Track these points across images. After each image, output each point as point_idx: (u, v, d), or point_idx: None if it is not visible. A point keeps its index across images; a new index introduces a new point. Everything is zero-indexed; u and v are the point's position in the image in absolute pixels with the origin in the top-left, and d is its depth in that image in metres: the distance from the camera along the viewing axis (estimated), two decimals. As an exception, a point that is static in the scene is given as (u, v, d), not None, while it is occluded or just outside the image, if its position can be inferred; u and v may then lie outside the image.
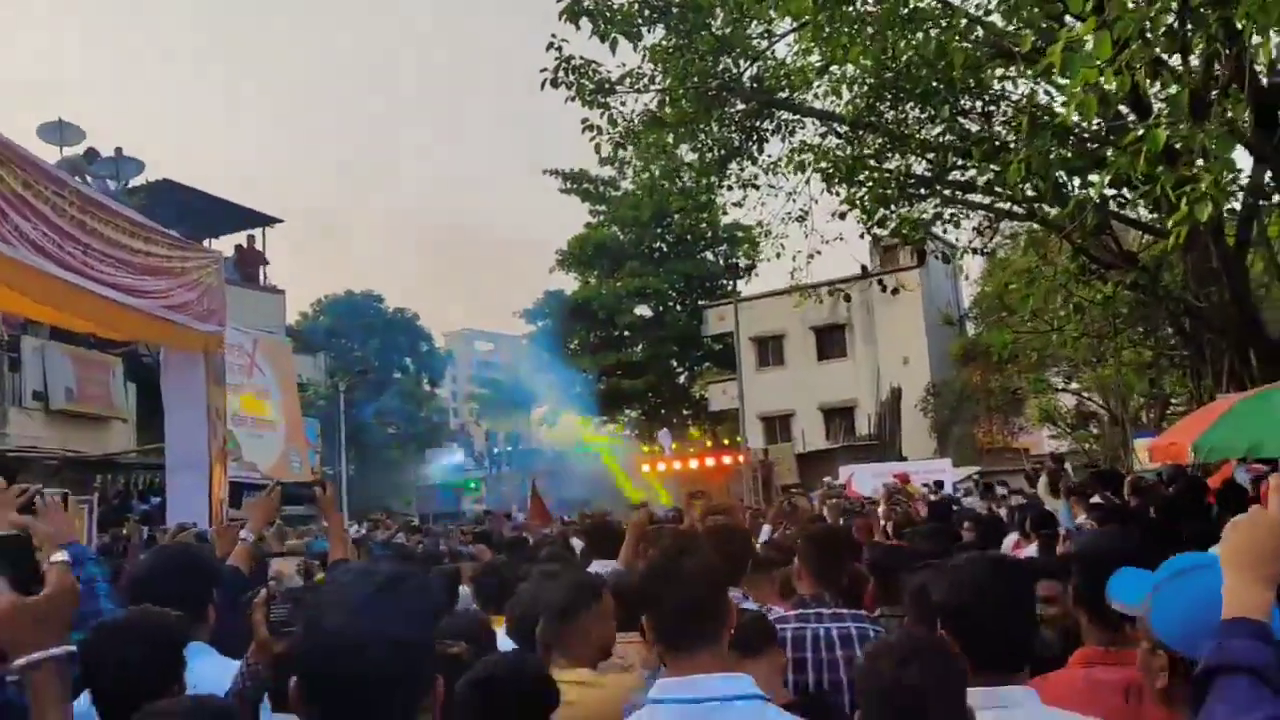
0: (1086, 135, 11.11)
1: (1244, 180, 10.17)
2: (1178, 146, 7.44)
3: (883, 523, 9.61)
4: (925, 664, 2.17)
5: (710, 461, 31.22)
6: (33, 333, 15.77)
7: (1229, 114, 7.11)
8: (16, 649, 1.61)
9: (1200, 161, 8.44)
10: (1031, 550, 7.63)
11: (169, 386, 13.36)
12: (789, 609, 4.10)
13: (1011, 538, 8.99)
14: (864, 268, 19.93)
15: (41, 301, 10.43)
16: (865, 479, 23.42)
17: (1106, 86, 6.92)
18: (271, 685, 2.66)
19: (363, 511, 33.18)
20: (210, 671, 3.13)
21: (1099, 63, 5.92)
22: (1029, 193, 10.45)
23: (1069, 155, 9.83)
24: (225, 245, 23.41)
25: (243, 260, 23.97)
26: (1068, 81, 7.22)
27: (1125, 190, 11.31)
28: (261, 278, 24.93)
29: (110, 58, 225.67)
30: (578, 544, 9.16)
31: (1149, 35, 6.20)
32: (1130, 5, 6.15)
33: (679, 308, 45.44)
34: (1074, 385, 31.93)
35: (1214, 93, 8.55)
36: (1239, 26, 8.67)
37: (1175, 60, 9.68)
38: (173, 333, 12.48)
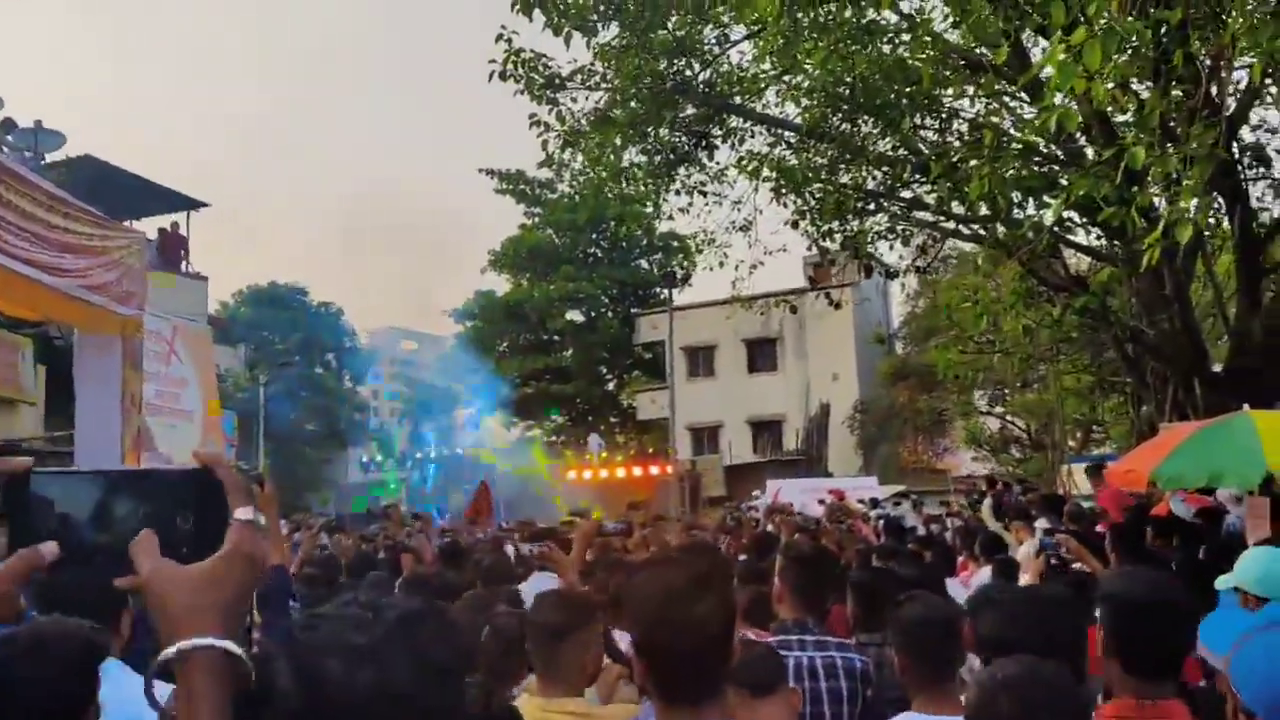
0: (1042, 157, 11.07)
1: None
2: (1141, 169, 7.35)
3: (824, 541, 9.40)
4: (1052, 706, 1.89)
5: (638, 471, 30.94)
6: (-64, 308, 14.92)
7: (1197, 140, 6.98)
8: (170, 632, 1.16)
9: (1155, 187, 8.42)
10: (984, 574, 7.47)
11: (82, 370, 12.67)
12: (768, 635, 3.80)
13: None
14: (811, 280, 19.90)
15: (-54, 274, 9.76)
16: (792, 493, 23.27)
17: (1085, 101, 6.80)
18: None
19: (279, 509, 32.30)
20: (123, 693, 2.75)
21: (1084, 73, 5.75)
22: (984, 211, 10.34)
23: (1026, 175, 9.73)
24: (147, 228, 22.55)
25: (165, 244, 23.11)
26: (1045, 96, 7.10)
27: (1075, 214, 11.31)
28: (184, 264, 24.09)
29: (31, 25, 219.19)
30: (511, 550, 8.81)
31: (1136, 50, 6.08)
32: (1114, 20, 6.02)
33: (611, 314, 45.13)
34: (999, 409, 32.34)
35: (1179, 117, 8.49)
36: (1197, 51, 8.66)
37: (1137, 85, 9.66)
38: (89, 314, 11.83)
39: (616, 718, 2.86)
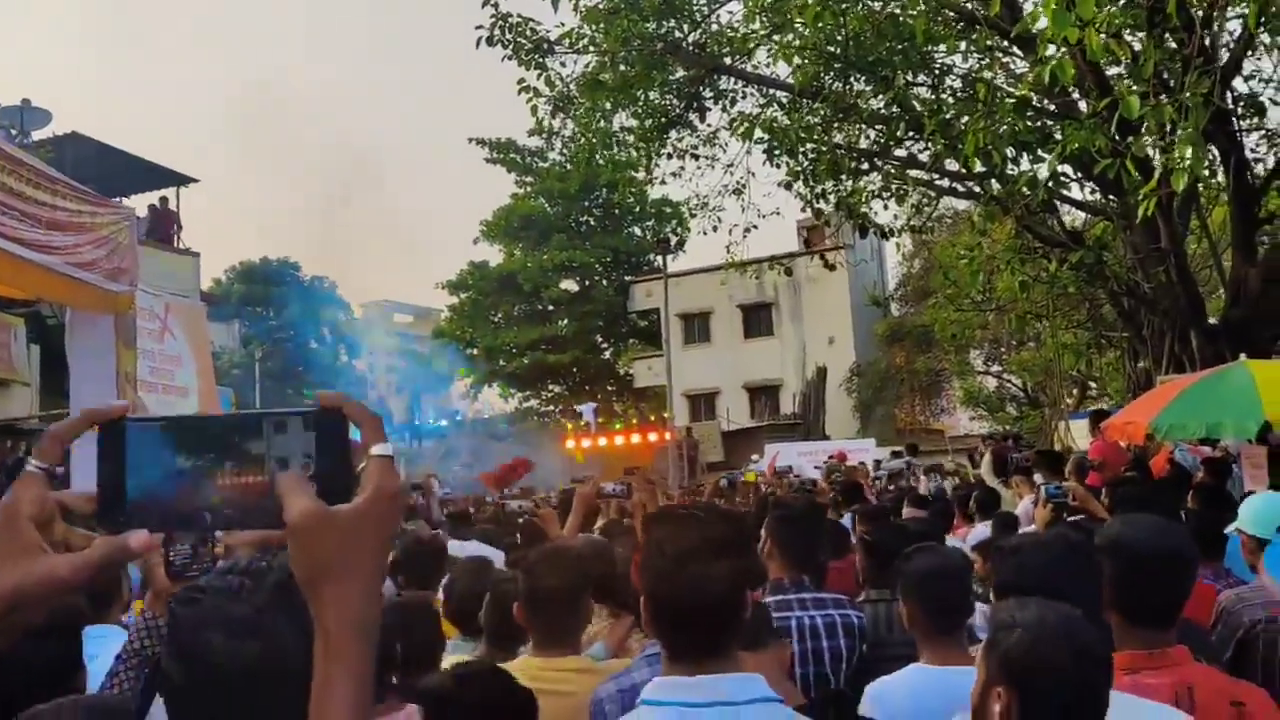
0: (1036, 112, 10.99)
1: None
2: (1135, 121, 7.30)
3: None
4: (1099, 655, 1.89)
5: (636, 438, 30.97)
6: (-73, 291, 14.82)
7: (1191, 89, 6.92)
8: (318, 578, 1.02)
9: (1149, 139, 8.35)
10: (983, 530, 7.45)
11: (75, 349, 12.61)
12: (763, 594, 3.77)
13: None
14: (806, 242, 19.85)
15: (-66, 253, 9.69)
16: (790, 457, 23.39)
17: (1079, 53, 6.73)
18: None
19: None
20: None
21: (1077, 22, 5.68)
22: (979, 168, 10.27)
23: (1021, 130, 9.65)
24: (137, 205, 22.38)
25: (156, 221, 22.95)
26: (1039, 47, 7.02)
27: (1070, 170, 11.26)
28: (176, 240, 23.94)
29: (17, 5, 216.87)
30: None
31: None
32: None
33: (605, 282, 45.01)
34: (995, 367, 32.36)
35: (1173, 67, 8.43)
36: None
37: (1131, 36, 9.59)
38: (79, 292, 11.76)
39: (617, 670, 2.85)
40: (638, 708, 2.00)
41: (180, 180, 24.66)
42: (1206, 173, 10.62)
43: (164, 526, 1.08)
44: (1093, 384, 27.17)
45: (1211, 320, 11.36)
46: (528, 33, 12.98)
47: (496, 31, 12.80)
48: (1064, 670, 1.85)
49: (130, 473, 1.06)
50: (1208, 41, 8.92)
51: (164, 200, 24.03)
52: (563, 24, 13.50)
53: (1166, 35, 8.67)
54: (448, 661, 3.45)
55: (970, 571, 3.42)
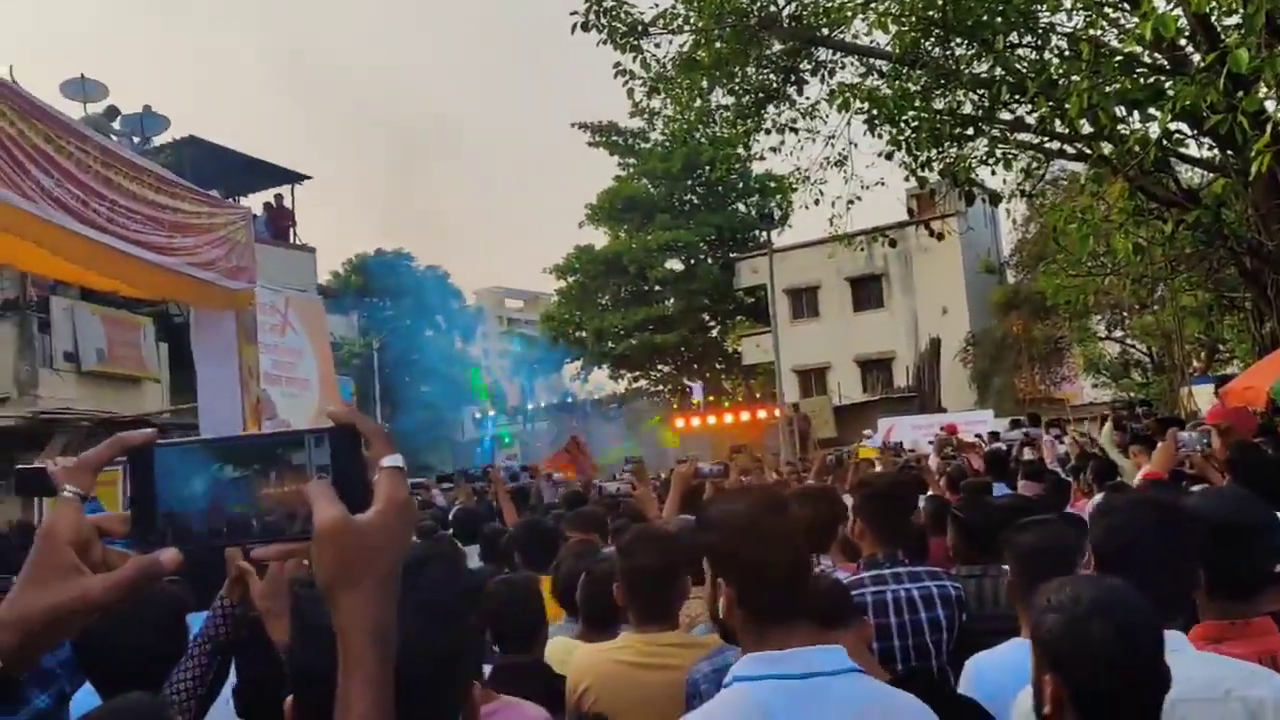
0: (1146, 68, 10.61)
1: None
2: (1248, 72, 6.99)
3: (937, 476, 9.29)
4: (1149, 628, 1.85)
5: (745, 416, 30.92)
6: (62, 293, 15.61)
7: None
8: (338, 584, 1.06)
9: (1266, 89, 7.99)
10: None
11: (199, 346, 13.17)
12: (858, 571, 3.77)
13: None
14: (910, 211, 19.45)
15: (66, 259, 10.19)
16: (905, 431, 23.04)
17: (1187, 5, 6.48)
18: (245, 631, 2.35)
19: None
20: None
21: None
22: (1086, 129, 9.95)
23: (1130, 87, 9.32)
24: (253, 203, 23.14)
25: (273, 218, 23.72)
26: (1144, 2, 6.80)
27: (1183, 126, 10.83)
28: (292, 236, 24.69)
29: (132, 12, 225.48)
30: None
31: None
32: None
33: (710, 260, 44.87)
34: (1118, 333, 31.35)
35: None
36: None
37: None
38: (201, 290, 12.24)
39: (714, 645, 2.92)
40: (730, 686, 2.03)
41: (294, 178, 25.38)
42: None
43: (208, 540, 1.13)
44: (1221, 346, 26.15)
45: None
46: (622, 16, 13.02)
47: (591, 16, 12.88)
48: (1104, 651, 1.81)
49: (167, 492, 1.12)
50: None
51: (279, 198, 24.77)
52: (656, 4, 13.49)
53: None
54: (550, 642, 3.56)
55: (1079, 546, 3.36)
